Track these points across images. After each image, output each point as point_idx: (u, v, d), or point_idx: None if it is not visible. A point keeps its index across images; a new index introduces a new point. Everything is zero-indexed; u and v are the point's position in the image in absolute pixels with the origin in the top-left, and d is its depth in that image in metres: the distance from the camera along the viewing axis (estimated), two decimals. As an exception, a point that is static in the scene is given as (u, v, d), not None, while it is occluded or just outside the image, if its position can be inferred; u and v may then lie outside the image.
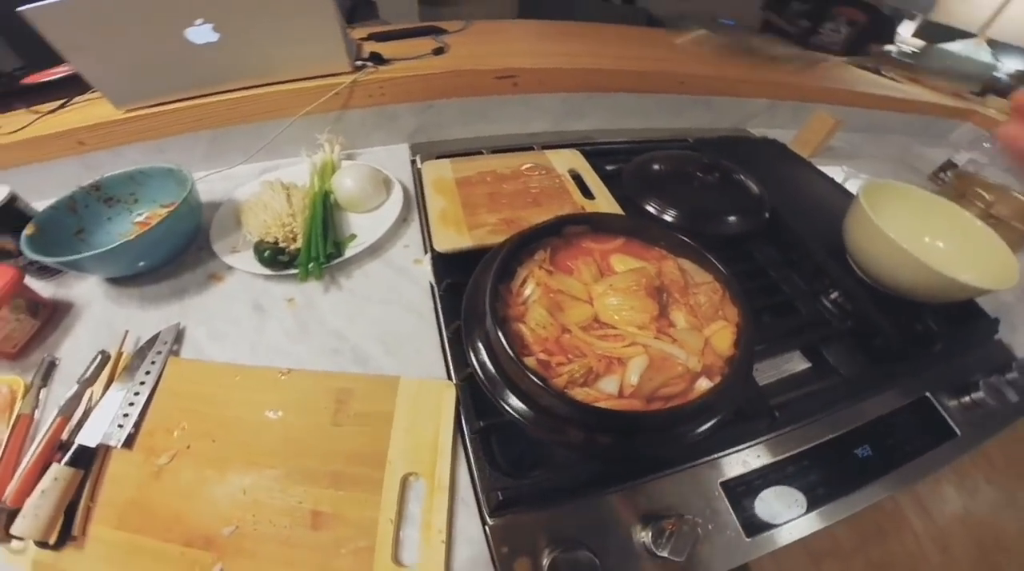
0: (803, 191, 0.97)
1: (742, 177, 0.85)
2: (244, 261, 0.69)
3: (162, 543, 0.44)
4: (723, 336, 0.50)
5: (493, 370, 0.47)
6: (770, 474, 0.53)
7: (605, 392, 0.44)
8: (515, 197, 0.76)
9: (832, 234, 0.77)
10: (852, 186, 0.99)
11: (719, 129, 1.15)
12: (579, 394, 0.44)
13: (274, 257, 0.68)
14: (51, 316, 0.63)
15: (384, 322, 0.64)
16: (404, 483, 0.49)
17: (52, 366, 0.58)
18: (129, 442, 0.50)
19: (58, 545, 0.44)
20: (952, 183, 1.03)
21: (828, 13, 1.91)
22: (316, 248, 0.69)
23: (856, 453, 0.56)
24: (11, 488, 0.45)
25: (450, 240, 0.68)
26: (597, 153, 0.90)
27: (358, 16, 2.17)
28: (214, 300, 0.67)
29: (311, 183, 0.80)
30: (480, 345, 0.49)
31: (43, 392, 0.55)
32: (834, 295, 0.72)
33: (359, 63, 0.88)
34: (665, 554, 0.43)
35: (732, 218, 0.78)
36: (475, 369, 0.48)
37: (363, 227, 0.76)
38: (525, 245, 0.55)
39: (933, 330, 0.68)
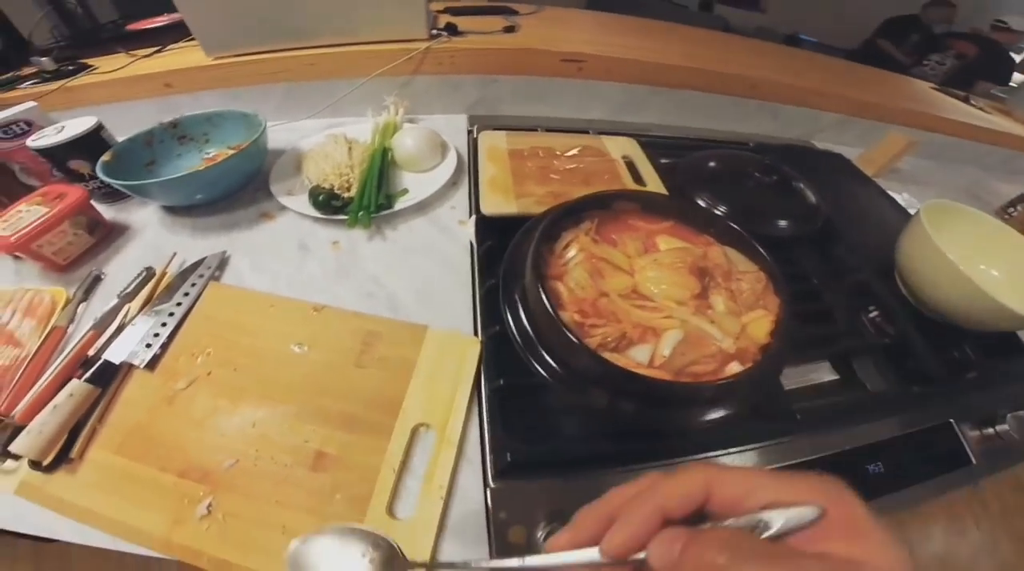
0: (860, 207, 0.93)
1: (799, 184, 0.83)
2: (298, 203, 0.72)
3: (157, 472, 0.43)
4: (761, 324, 0.49)
5: (527, 326, 0.48)
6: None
7: (635, 360, 0.44)
8: (565, 174, 0.76)
9: (883, 253, 0.75)
10: (913, 210, 0.94)
11: (783, 138, 1.11)
12: (609, 358, 0.43)
13: (328, 201, 0.71)
14: (107, 236, 0.68)
15: (421, 274, 0.66)
16: (414, 433, 0.48)
17: (97, 281, 0.60)
18: (153, 363, 0.50)
19: (52, 467, 0.42)
20: (1021, 216, 0.98)
21: (941, 44, 1.79)
22: (369, 197, 0.72)
23: (868, 468, 0.54)
24: (24, 403, 0.43)
25: (497, 205, 0.69)
26: (653, 145, 0.89)
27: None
28: (262, 235, 0.70)
29: (372, 140, 0.84)
30: (517, 300, 0.50)
31: (82, 307, 0.56)
32: (874, 313, 0.69)
33: (435, 32, 0.90)
34: None
35: (783, 222, 0.76)
36: (508, 325, 0.49)
37: (415, 185, 0.78)
38: (574, 212, 0.55)
39: (970, 358, 0.65)
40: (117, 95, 0.86)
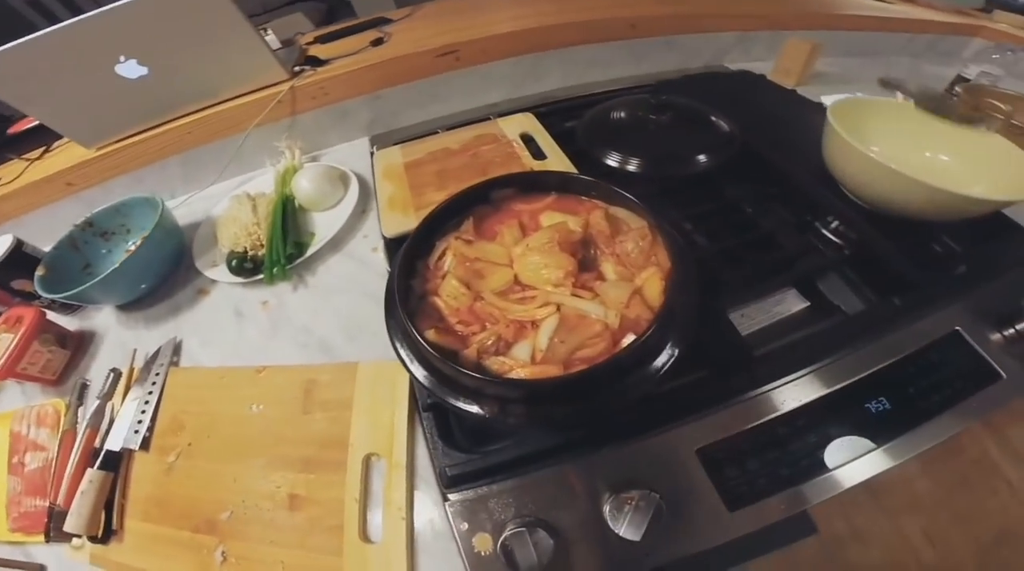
0: (787, 121, 0.88)
1: (706, 112, 0.80)
2: (222, 273, 0.74)
3: (176, 531, 0.51)
4: (653, 283, 0.47)
5: (410, 352, 0.47)
6: (758, 437, 0.46)
7: (520, 359, 0.43)
8: (463, 171, 0.75)
9: (820, 162, 0.68)
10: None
11: (690, 70, 1.07)
12: (494, 364, 0.43)
13: (240, 265, 0.73)
14: (79, 345, 0.72)
15: (346, 311, 0.67)
16: (366, 464, 0.52)
17: (84, 387, 0.67)
18: (146, 444, 0.57)
19: (105, 539, 0.52)
20: (963, 98, 0.93)
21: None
22: (276, 251, 0.72)
23: (868, 408, 0.47)
24: (62, 493, 0.53)
25: (397, 224, 0.69)
26: (555, 112, 0.88)
27: (338, 18, 2.18)
28: (203, 312, 0.73)
29: (275, 190, 0.84)
30: (396, 327, 0.49)
31: (80, 410, 0.64)
32: (834, 224, 0.64)
33: (297, 69, 0.89)
34: (621, 532, 0.40)
35: (702, 157, 0.73)
36: (396, 349, 0.49)
37: (324, 224, 0.78)
38: (446, 217, 0.54)
39: (955, 250, 0.59)
40: (26, 205, 0.87)
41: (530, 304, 0.46)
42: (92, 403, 0.62)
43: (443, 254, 0.52)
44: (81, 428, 0.59)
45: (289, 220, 0.77)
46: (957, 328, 0.51)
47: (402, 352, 0.48)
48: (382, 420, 0.54)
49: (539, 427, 0.48)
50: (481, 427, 0.52)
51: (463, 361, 0.42)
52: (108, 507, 0.53)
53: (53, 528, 0.52)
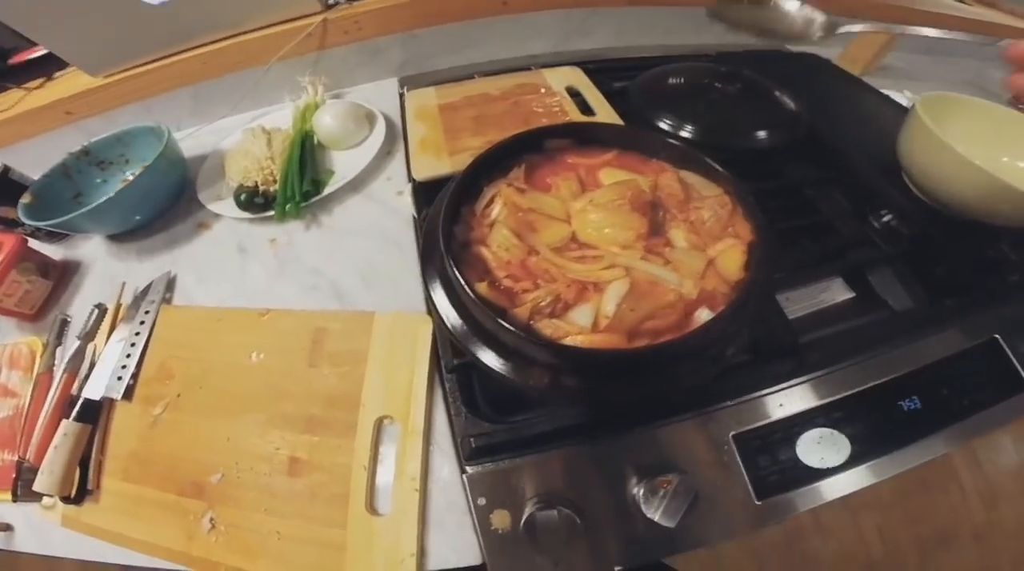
0: (851, 108, 0.83)
1: (772, 89, 0.74)
2: (228, 207, 0.68)
3: (160, 492, 0.46)
4: (731, 256, 0.42)
5: (448, 303, 0.41)
6: (793, 427, 0.44)
7: (579, 324, 0.37)
8: (503, 118, 0.68)
9: (887, 154, 0.65)
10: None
11: (750, 46, 1.00)
12: (547, 327, 0.37)
13: (250, 200, 0.66)
14: (62, 276, 0.66)
15: (363, 256, 0.61)
16: (378, 427, 0.46)
17: (65, 324, 0.60)
18: (129, 393, 0.51)
19: (79, 499, 0.46)
20: None
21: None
22: (292, 187, 0.66)
23: (901, 405, 0.46)
24: (32, 446, 0.47)
25: (429, 167, 0.62)
26: (603, 70, 0.81)
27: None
28: (202, 247, 0.67)
29: (293, 125, 0.77)
30: (435, 274, 0.43)
31: (59, 350, 0.57)
32: (887, 217, 0.60)
33: (330, 1, 0.80)
34: (655, 517, 0.38)
35: (760, 133, 0.68)
36: (431, 303, 0.43)
37: (344, 163, 0.72)
38: (494, 162, 0.48)
39: (1009, 258, 0.56)
40: (20, 133, 0.80)
41: (593, 264, 0.40)
42: (72, 343, 0.55)
43: (491, 201, 0.45)
44: (58, 372, 0.53)
45: (307, 156, 0.71)
46: (996, 336, 0.49)
47: (439, 304, 0.41)
48: (399, 380, 0.48)
49: (590, 403, 0.43)
50: (509, 396, 0.48)
51: (512, 321, 0.36)
52: (84, 464, 0.47)
53: (21, 486, 0.46)
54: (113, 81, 0.78)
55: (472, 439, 0.43)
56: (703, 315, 0.38)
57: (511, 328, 0.34)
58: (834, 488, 0.43)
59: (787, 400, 0.46)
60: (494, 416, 0.46)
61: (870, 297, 0.56)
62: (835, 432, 0.44)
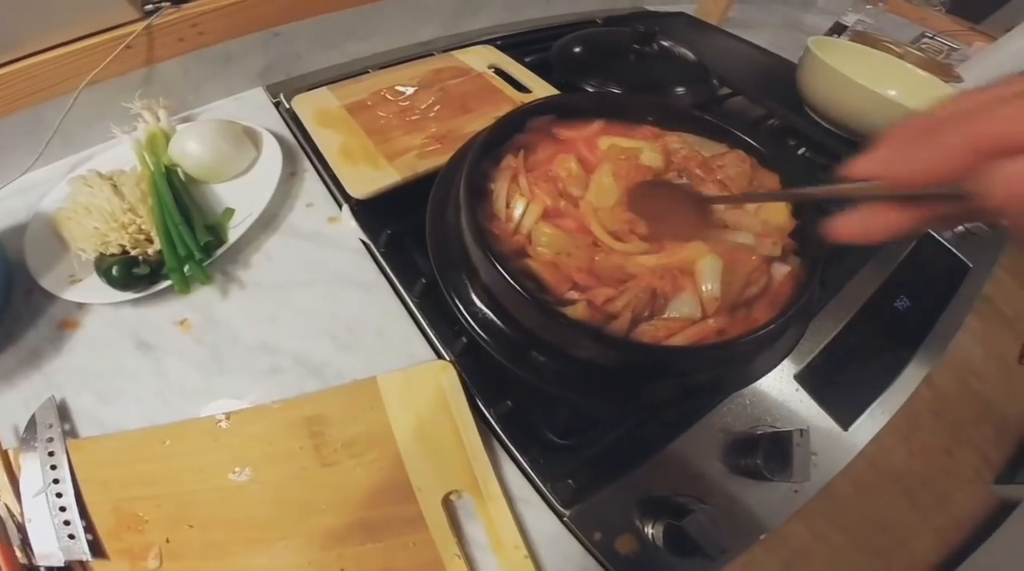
0: (732, 56, 0.90)
1: (677, 47, 0.75)
2: (94, 291, 0.48)
3: None
4: (775, 209, 0.39)
5: (506, 328, 0.33)
6: (836, 351, 0.47)
7: (684, 316, 0.32)
8: (435, 109, 0.58)
9: (782, 93, 0.75)
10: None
11: (617, 9, 1.03)
12: (648, 333, 0.31)
13: (127, 272, 0.46)
14: None
15: (319, 310, 0.48)
16: (447, 506, 0.38)
17: None
18: (98, 550, 0.38)
19: None
20: (855, 42, 1.05)
21: None
22: (182, 242, 0.48)
23: (897, 306, 0.52)
24: None
25: (368, 180, 0.50)
26: (509, 46, 0.75)
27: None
28: (81, 354, 0.46)
29: (141, 163, 0.57)
30: (475, 299, 0.34)
31: None
32: (802, 150, 0.70)
33: (149, 7, 0.61)
34: (786, 478, 0.36)
35: (680, 89, 0.69)
36: (473, 330, 0.34)
37: (240, 197, 0.55)
38: (487, 151, 0.39)
39: None
40: None
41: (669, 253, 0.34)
42: None
43: (508, 201, 0.37)
44: None
45: (183, 196, 0.52)
46: (929, 230, 0.58)
47: (490, 340, 0.33)
48: (445, 446, 0.39)
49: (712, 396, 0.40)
50: (570, 417, 0.42)
51: (613, 339, 0.29)
52: None
53: None
54: None
55: (569, 480, 0.38)
56: (781, 269, 0.36)
57: (624, 348, 0.27)
58: (895, 398, 0.45)
59: (822, 328, 0.48)
60: (569, 446, 0.40)
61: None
62: (869, 345, 0.48)
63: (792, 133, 0.70)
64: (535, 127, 0.44)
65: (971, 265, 0.57)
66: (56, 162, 0.61)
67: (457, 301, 0.36)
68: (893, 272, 0.54)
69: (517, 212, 0.36)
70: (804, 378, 0.44)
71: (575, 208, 0.37)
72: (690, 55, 0.75)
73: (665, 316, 0.32)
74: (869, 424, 0.43)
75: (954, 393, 0.67)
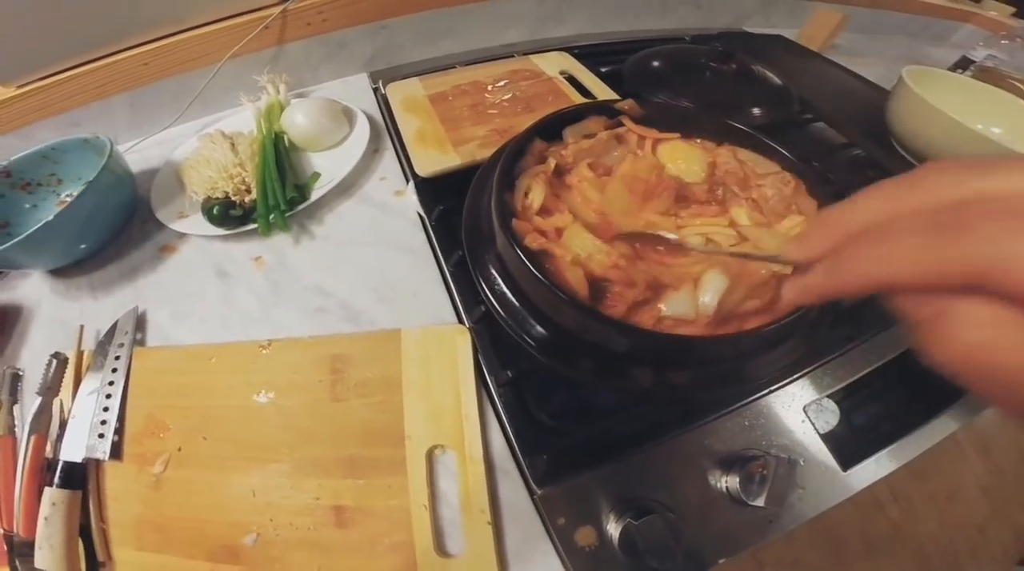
0: (824, 83, 0.86)
1: (760, 68, 0.74)
2: (195, 225, 0.58)
3: (188, 561, 0.38)
4: (797, 228, 0.40)
5: (516, 301, 0.37)
6: (857, 392, 0.45)
7: (678, 314, 0.34)
8: (503, 106, 0.64)
9: (870, 124, 0.71)
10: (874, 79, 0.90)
11: (711, 29, 1.03)
12: (641, 320, 0.33)
13: (225, 213, 0.57)
14: (1, 325, 0.53)
15: (371, 267, 0.54)
16: (430, 459, 0.41)
17: (17, 378, 0.48)
18: (116, 451, 0.43)
19: None
20: (977, 78, 0.96)
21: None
22: (274, 195, 0.57)
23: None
24: (17, 518, 0.39)
25: (433, 161, 0.56)
26: (587, 55, 0.78)
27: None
28: (171, 275, 0.56)
29: (257, 128, 0.67)
30: (493, 272, 0.38)
31: (16, 408, 0.47)
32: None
33: None
34: (760, 503, 0.36)
35: (756, 110, 0.68)
36: (490, 303, 0.38)
37: (327, 165, 0.64)
38: (520, 150, 0.43)
39: None
40: None
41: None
42: (32, 400, 0.45)
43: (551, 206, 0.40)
44: (22, 433, 0.43)
45: (284, 159, 0.62)
46: None
47: (504, 311, 0.37)
48: (444, 403, 0.43)
49: (692, 396, 0.40)
50: (565, 403, 0.44)
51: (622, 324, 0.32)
52: (85, 534, 0.40)
53: (20, 563, 0.38)
54: (30, 90, 0.65)
55: (544, 456, 0.39)
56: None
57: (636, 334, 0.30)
58: (910, 449, 0.43)
59: (847, 366, 0.46)
60: (556, 427, 0.42)
61: None
62: (896, 393, 0.45)
63: (873, 165, 0.66)
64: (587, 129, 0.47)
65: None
66: (192, 121, 0.74)
67: (478, 272, 0.40)
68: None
69: (532, 200, 0.40)
70: (814, 411, 0.43)
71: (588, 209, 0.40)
72: (774, 77, 0.74)
73: (661, 306, 0.34)
74: (872, 470, 0.41)
75: (1012, 472, 0.60)
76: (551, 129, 0.45)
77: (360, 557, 0.37)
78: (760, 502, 0.36)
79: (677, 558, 0.33)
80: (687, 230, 0.39)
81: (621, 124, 0.48)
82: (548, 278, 0.32)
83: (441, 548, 0.37)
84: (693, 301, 0.34)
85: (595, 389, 0.45)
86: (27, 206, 0.60)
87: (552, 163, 0.42)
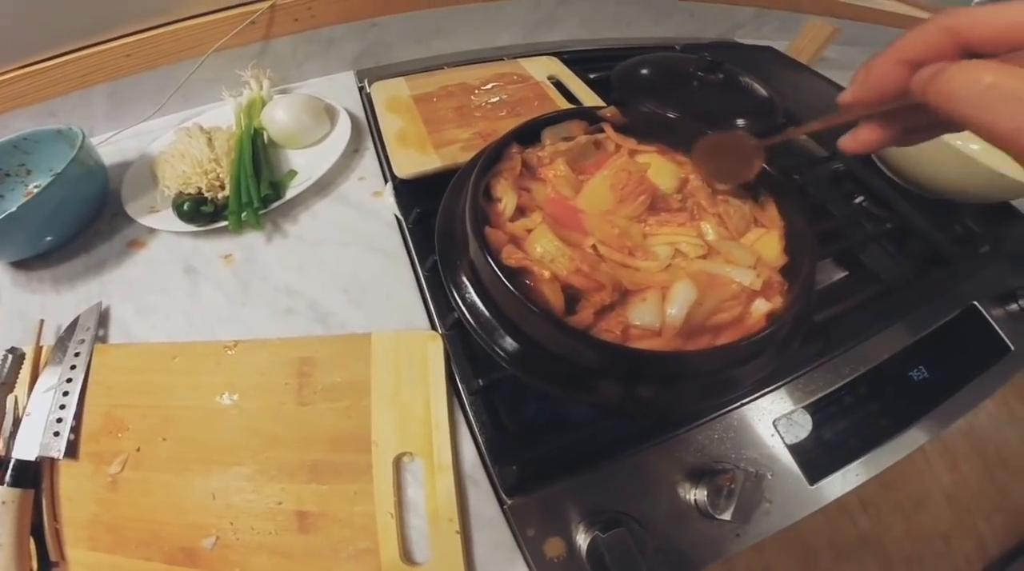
0: (809, 96, 0.86)
1: (746, 79, 0.74)
2: (165, 221, 0.57)
3: (143, 562, 0.38)
4: (768, 242, 0.40)
5: (487, 311, 0.36)
6: (827, 407, 0.45)
7: (644, 325, 0.33)
8: (488, 109, 0.63)
9: None
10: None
11: (703, 38, 1.03)
12: (607, 329, 0.33)
13: (196, 209, 0.56)
14: None
15: (343, 267, 0.53)
16: (398, 466, 0.40)
17: None
18: (72, 450, 0.42)
19: None
20: None
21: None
22: (248, 192, 0.56)
23: (911, 376, 0.48)
24: None
25: (413, 163, 0.56)
26: (577, 60, 0.78)
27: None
28: (137, 270, 0.55)
29: (236, 123, 0.66)
30: (465, 280, 0.38)
31: None
32: (860, 199, 0.66)
33: None
34: (727, 517, 0.36)
35: (740, 121, 0.68)
36: (461, 312, 0.37)
37: (305, 163, 0.63)
38: (495, 156, 0.42)
39: (975, 232, 0.63)
40: None
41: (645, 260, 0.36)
42: None
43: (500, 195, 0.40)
44: None
45: (261, 155, 0.61)
46: (975, 302, 0.54)
47: (473, 319, 0.36)
48: (414, 409, 0.42)
49: (660, 410, 0.40)
50: (536, 413, 0.45)
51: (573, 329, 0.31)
52: (38, 532, 0.39)
53: None
54: (9, 78, 0.63)
55: (514, 467, 0.39)
56: (761, 306, 0.35)
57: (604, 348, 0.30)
58: (877, 462, 0.43)
59: (814, 384, 0.46)
60: (527, 437, 0.42)
61: (862, 273, 0.58)
62: (865, 407, 0.46)
63: (852, 179, 0.67)
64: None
65: (1013, 348, 0.52)
66: (171, 115, 0.73)
67: (450, 279, 0.39)
68: (919, 340, 0.50)
69: (505, 206, 0.39)
70: (784, 425, 0.43)
71: (564, 208, 0.39)
72: (760, 88, 0.73)
73: (626, 315, 0.33)
74: (839, 483, 0.41)
75: (976, 482, 0.61)
76: (531, 134, 0.44)
77: (322, 563, 0.36)
78: (727, 516, 0.36)
79: (640, 572, 0.33)
80: (655, 238, 0.38)
81: (602, 130, 0.47)
82: (522, 292, 0.32)
83: (407, 556, 0.37)
84: (660, 311, 0.33)
85: (565, 401, 0.44)
86: (-8, 196, 0.58)
87: (519, 162, 0.41)
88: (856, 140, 0.28)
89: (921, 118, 0.25)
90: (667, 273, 0.36)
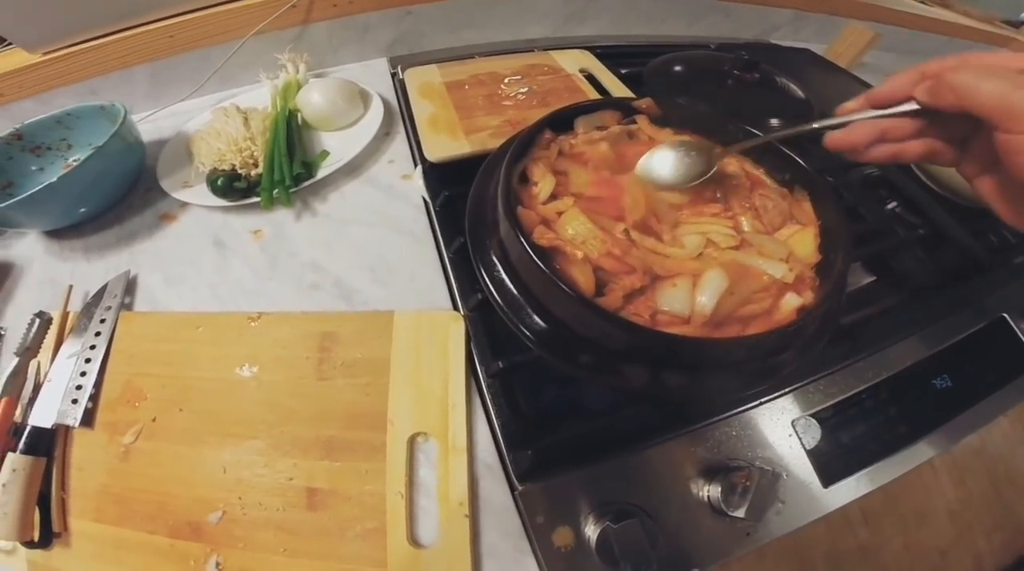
0: (848, 99, 0.84)
1: (782, 79, 0.73)
2: (198, 195, 0.58)
3: (147, 535, 0.38)
4: (802, 239, 0.39)
5: (515, 290, 0.36)
6: (847, 409, 0.44)
7: (674, 312, 0.33)
8: (519, 98, 0.64)
9: None
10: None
11: (738, 38, 1.02)
12: (636, 312, 0.32)
13: (229, 185, 0.57)
14: None
15: (370, 247, 0.54)
16: (411, 446, 0.40)
17: None
18: (88, 419, 0.42)
19: (44, 543, 0.38)
20: None
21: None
22: (280, 170, 0.57)
23: (935, 383, 0.47)
24: None
25: (443, 147, 0.56)
26: (607, 56, 0.77)
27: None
28: (168, 242, 0.56)
29: (272, 104, 0.68)
30: (495, 259, 0.38)
31: None
32: (893, 205, 0.64)
33: None
34: (740, 514, 0.35)
35: (775, 121, 0.67)
36: (489, 292, 0.37)
37: (338, 144, 0.64)
38: (529, 142, 0.42)
39: (1010, 242, 0.61)
40: None
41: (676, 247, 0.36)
42: (10, 360, 0.45)
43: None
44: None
45: (295, 136, 0.62)
46: (1004, 315, 0.52)
47: (504, 301, 0.36)
48: (431, 390, 0.42)
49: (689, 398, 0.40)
50: (555, 400, 0.44)
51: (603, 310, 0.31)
52: (43, 502, 0.38)
53: None
54: (54, 57, 0.66)
55: (529, 452, 0.38)
56: (791, 300, 0.35)
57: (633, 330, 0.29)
58: (890, 471, 0.42)
59: (836, 387, 0.45)
60: (544, 423, 0.42)
61: (890, 278, 0.57)
62: (886, 413, 0.45)
63: (886, 184, 0.65)
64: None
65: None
66: (208, 95, 0.75)
67: (478, 259, 0.39)
68: (946, 348, 0.49)
69: (541, 189, 0.39)
70: (802, 426, 0.42)
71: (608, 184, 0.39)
72: (796, 89, 0.72)
73: (655, 300, 0.33)
74: (852, 487, 0.41)
75: (981, 499, 0.59)
76: (564, 121, 0.44)
77: (329, 541, 0.36)
78: (740, 513, 0.35)
79: (652, 566, 0.32)
80: (686, 227, 0.38)
81: (635, 122, 0.47)
82: (554, 273, 0.32)
83: (414, 538, 0.36)
84: (689, 298, 0.33)
85: (587, 386, 0.44)
86: (33, 169, 0.61)
87: (555, 150, 0.41)
88: (844, 136, 0.31)
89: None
90: (698, 261, 0.36)
